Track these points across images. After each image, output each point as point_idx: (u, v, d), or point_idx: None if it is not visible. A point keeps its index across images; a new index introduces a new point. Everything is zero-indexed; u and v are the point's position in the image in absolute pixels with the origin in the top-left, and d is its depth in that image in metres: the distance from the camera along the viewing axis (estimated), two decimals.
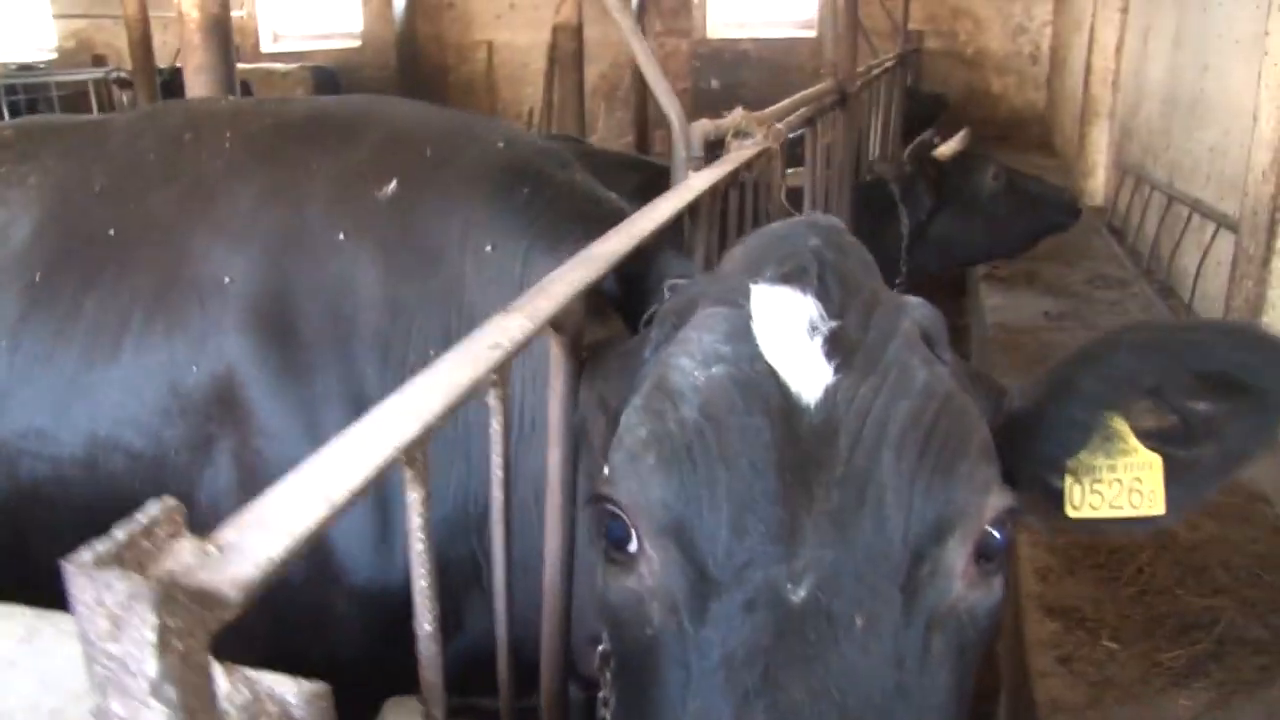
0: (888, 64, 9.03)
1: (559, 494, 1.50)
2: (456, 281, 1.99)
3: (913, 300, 1.40)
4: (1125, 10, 9.96)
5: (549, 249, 1.94)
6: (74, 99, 15.22)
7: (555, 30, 11.13)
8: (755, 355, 1.26)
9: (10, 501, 2.21)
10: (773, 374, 1.24)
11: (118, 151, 2.39)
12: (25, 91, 14.71)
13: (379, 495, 1.95)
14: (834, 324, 1.27)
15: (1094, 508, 1.41)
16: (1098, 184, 10.47)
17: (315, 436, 1.96)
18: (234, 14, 16.57)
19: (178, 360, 2.05)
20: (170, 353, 2.06)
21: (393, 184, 2.06)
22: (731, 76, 16.38)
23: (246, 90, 15.23)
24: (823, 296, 1.30)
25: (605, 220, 2.02)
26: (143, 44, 12.13)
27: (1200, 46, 7.12)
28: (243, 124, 2.32)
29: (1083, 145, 10.75)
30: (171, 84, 13.79)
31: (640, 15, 16.16)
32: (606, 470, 1.32)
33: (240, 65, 15.99)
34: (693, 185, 2.13)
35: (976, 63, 16.34)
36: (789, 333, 1.27)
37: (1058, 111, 14.98)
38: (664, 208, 1.89)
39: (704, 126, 2.69)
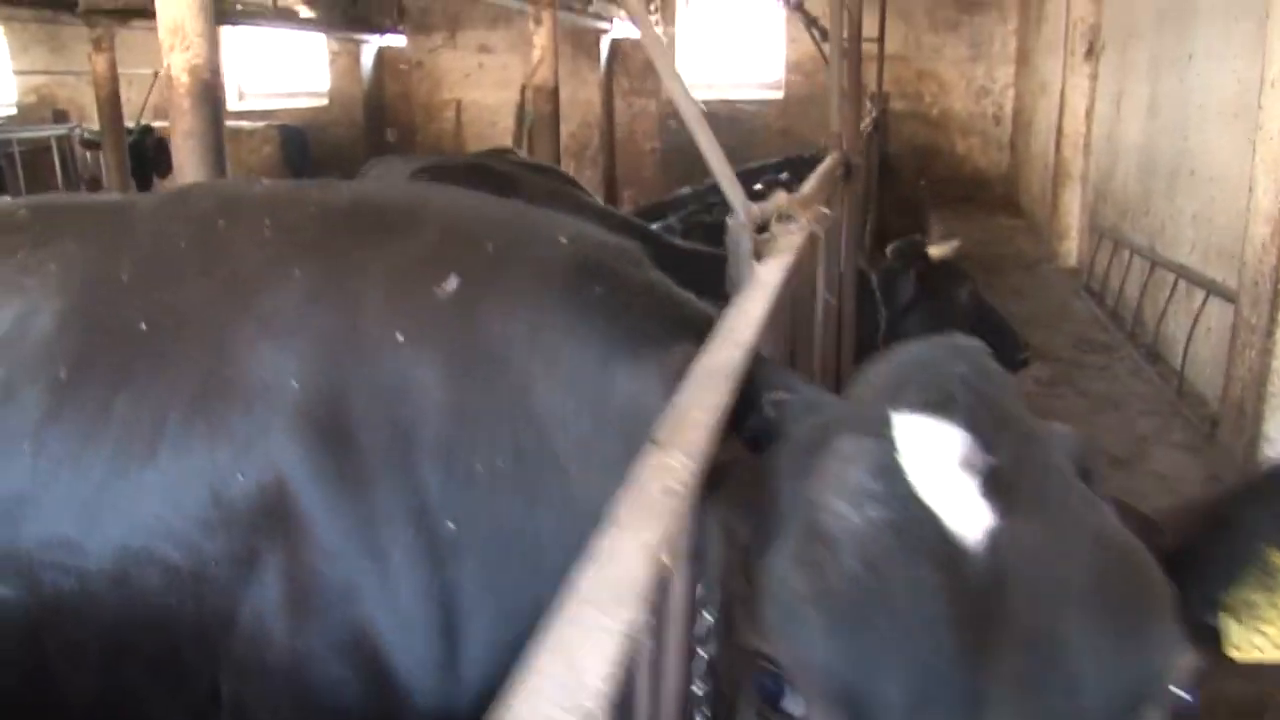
0: (867, 129, 9.10)
1: (679, 627, 1.40)
2: (524, 386, 1.86)
3: (1064, 430, 1.31)
4: (1095, 77, 10.14)
5: (632, 354, 1.83)
6: (35, 154, 15.04)
7: (528, 90, 11.12)
8: (910, 496, 1.15)
9: (30, 616, 2.05)
10: (932, 517, 1.14)
11: (146, 238, 2.26)
12: None
13: (445, 621, 1.83)
14: (990, 460, 1.18)
15: (1260, 650, 1.33)
16: (1071, 245, 10.59)
17: (374, 553, 1.83)
18: None
19: (220, 467, 1.91)
20: (212, 459, 1.92)
21: (453, 281, 1.95)
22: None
23: None
24: (975, 429, 1.20)
25: (689, 323, 1.92)
26: (111, 102, 11.98)
27: (1178, 115, 7.22)
28: (283, 212, 2.21)
29: (1055, 207, 10.88)
30: (140, 144, 13.66)
31: (608, 76, 16.32)
32: (743, 617, 1.23)
33: None
34: (766, 280, 2.05)
35: (941, 124, 16.59)
36: (943, 470, 1.17)
37: (1022, 172, 15.22)
38: (753, 309, 1.81)
39: (751, 213, 2.63)
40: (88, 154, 15.63)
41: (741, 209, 2.29)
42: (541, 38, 10.51)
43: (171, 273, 2.16)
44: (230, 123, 15.18)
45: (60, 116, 17.22)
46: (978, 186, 16.18)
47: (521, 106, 16.79)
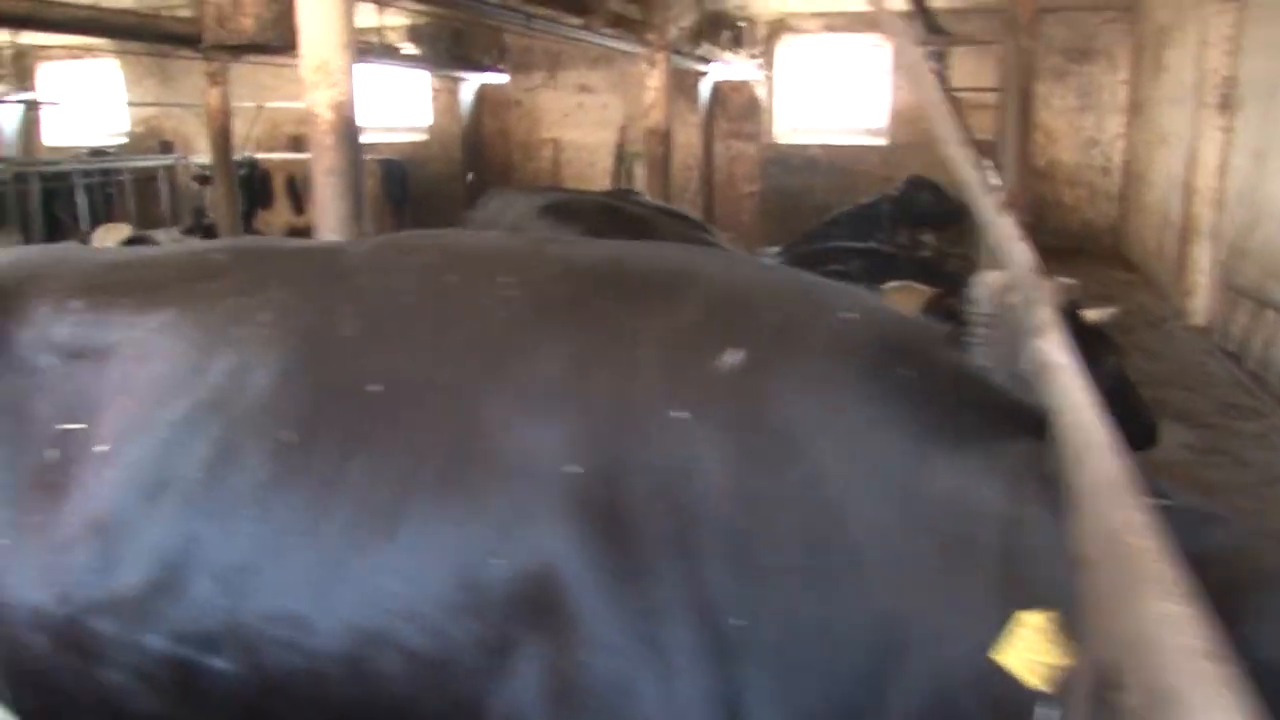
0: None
1: None
2: (818, 472, 1.67)
3: None
4: (1229, 130, 9.76)
5: (951, 447, 1.62)
6: (142, 183, 15.42)
7: (627, 131, 11.02)
8: None
9: (251, 693, 1.90)
10: None
11: (364, 289, 2.10)
12: (99, 175, 14.90)
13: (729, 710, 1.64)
14: None
15: None
16: (1199, 303, 10.18)
17: (652, 649, 1.66)
18: (302, 105, 16.53)
19: (474, 549, 1.75)
20: (463, 539, 1.76)
21: (734, 354, 1.77)
22: (799, 180, 16.32)
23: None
24: None
25: (1002, 410, 1.72)
26: (222, 134, 12.10)
27: None
28: (524, 268, 2.04)
29: (1182, 264, 10.47)
30: (248, 178, 13.86)
31: (708, 119, 16.22)
32: None
33: (307, 156, 16.01)
34: (1064, 362, 1.83)
35: (1048, 174, 16.21)
36: None
37: (1133, 225, 14.78)
38: (1079, 400, 1.59)
39: (998, 283, 2.41)
40: (193, 183, 15.94)
41: (1037, 286, 2.07)
42: (654, 80, 10.45)
43: (399, 330, 2.00)
44: None
45: (166, 147, 17.60)
46: (1087, 239, 15.77)
47: (621, 146, 16.84)
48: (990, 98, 13.68)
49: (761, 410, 1.72)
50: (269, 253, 2.37)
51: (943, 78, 10.06)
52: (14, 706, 2.25)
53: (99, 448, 2.07)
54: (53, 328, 2.19)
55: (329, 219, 5.00)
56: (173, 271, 2.33)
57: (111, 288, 2.26)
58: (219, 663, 1.90)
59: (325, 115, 4.91)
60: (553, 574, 1.68)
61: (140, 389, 2.09)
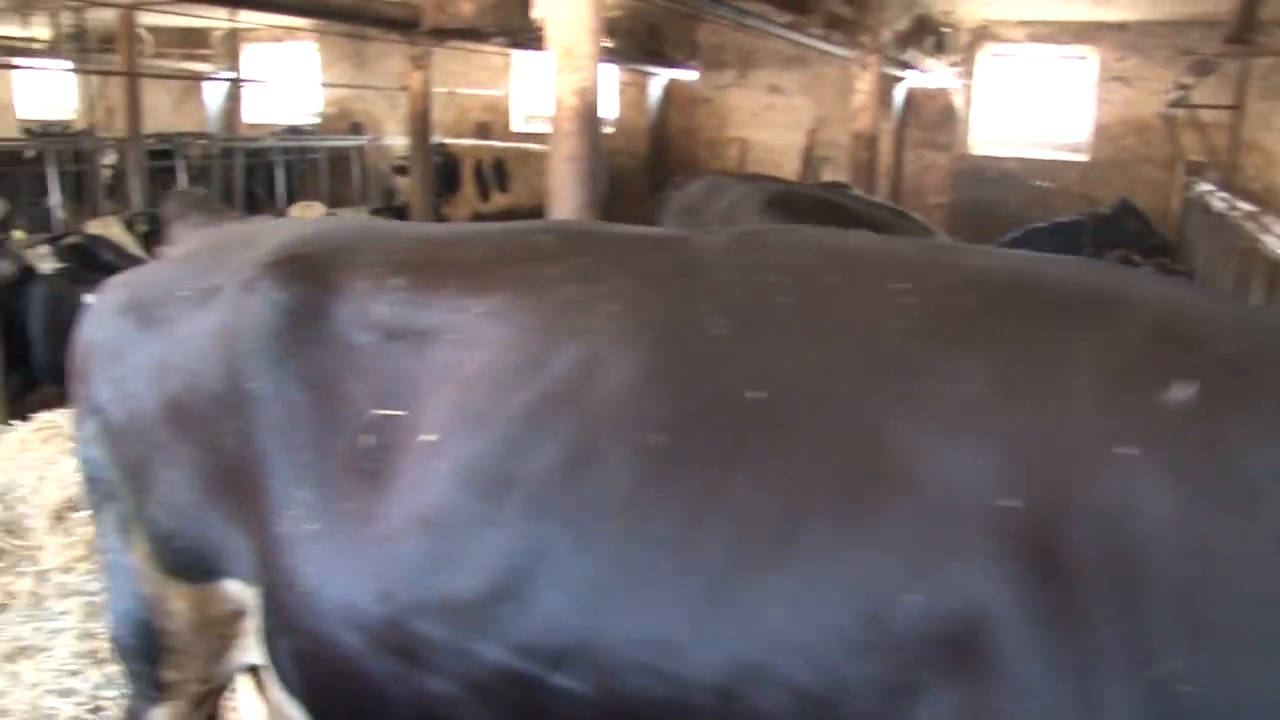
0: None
1: None
2: None
3: None
4: None
5: None
6: (335, 162, 15.86)
7: (852, 137, 10.73)
8: None
9: (598, 717, 1.75)
10: None
11: (729, 285, 1.92)
12: (296, 153, 15.37)
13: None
14: None
15: None
16: None
17: (1087, 709, 1.47)
18: (491, 93, 16.79)
19: (882, 582, 1.57)
20: (870, 570, 1.58)
21: (1184, 388, 1.55)
22: (991, 193, 15.72)
23: (502, 168, 15.49)
24: None
25: None
26: (421, 119, 12.26)
27: None
28: (917, 275, 1.84)
29: None
30: (444, 166, 14.08)
31: (900, 126, 15.77)
32: None
33: (494, 143, 16.13)
34: None
35: (1265, 199, 15.17)
36: None
37: None
38: None
39: None
40: (381, 164, 16.35)
41: None
42: (864, 84, 10.18)
43: (782, 333, 1.79)
44: (513, 144, 15.68)
45: (356, 128, 18.10)
46: None
47: (809, 150, 16.52)
48: (1210, 115, 12.94)
49: (1218, 452, 1.52)
50: (605, 238, 2.21)
51: (1186, 92, 9.46)
52: (307, 705, 2.13)
53: (425, 437, 1.94)
54: (372, 304, 2.08)
55: (565, 205, 4.92)
56: (496, 252, 2.19)
57: (432, 267, 2.14)
58: (564, 681, 1.77)
59: (569, 101, 4.82)
60: (978, 616, 1.51)
61: (470, 377, 1.95)
